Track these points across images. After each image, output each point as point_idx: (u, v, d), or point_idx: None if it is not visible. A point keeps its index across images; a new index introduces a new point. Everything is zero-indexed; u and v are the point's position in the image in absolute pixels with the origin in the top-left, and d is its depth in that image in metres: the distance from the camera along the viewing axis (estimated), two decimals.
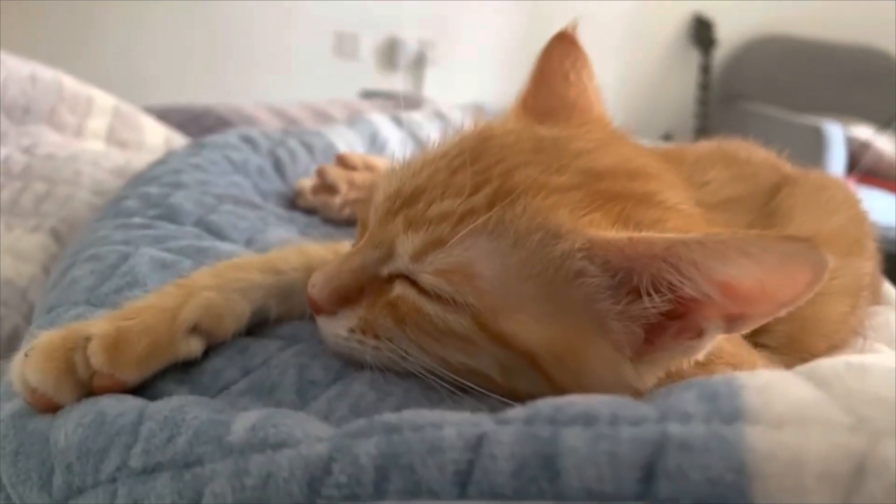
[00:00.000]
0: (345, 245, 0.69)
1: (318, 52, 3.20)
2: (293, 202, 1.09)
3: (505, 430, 0.38)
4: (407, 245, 0.52)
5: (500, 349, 0.50)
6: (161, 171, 0.99)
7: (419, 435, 0.38)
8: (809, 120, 3.15)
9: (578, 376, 0.49)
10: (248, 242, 0.84)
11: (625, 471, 0.35)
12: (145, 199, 0.89)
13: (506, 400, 0.50)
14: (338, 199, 1.03)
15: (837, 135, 3.00)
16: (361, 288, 0.54)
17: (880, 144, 3.08)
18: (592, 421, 0.37)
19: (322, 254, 0.66)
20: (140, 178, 0.99)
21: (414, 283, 0.52)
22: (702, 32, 3.78)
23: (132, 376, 0.52)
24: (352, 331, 0.54)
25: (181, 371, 0.57)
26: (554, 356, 0.49)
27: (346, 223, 1.06)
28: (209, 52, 2.94)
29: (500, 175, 0.52)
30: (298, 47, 3.13)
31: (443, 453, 0.37)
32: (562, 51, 0.66)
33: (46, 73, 1.42)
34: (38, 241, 1.05)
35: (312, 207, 1.08)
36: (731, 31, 3.76)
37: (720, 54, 3.80)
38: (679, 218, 0.53)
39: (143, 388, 0.54)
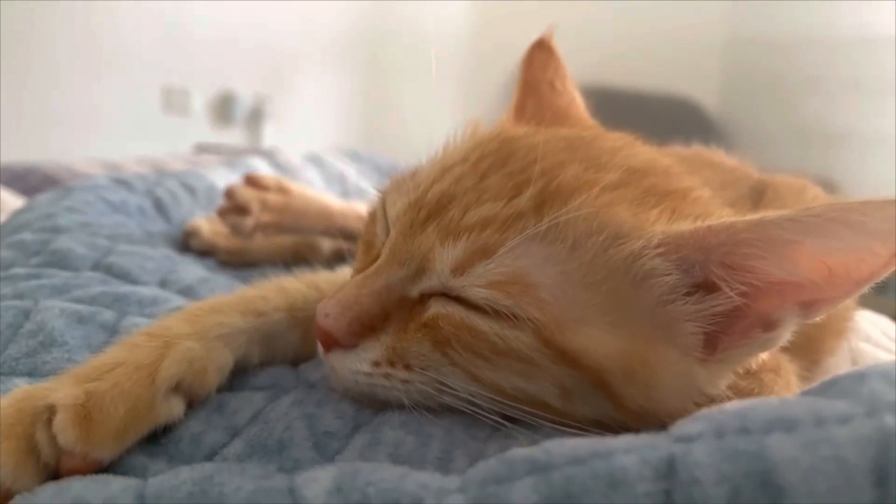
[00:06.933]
0: (327, 276, 0.59)
1: (146, 108, 2.95)
2: (184, 244, 0.95)
3: (696, 449, 0.30)
4: (446, 257, 0.44)
5: (565, 368, 0.43)
6: (29, 218, 0.84)
7: (586, 468, 0.30)
8: None
9: (649, 389, 0.44)
10: (163, 284, 0.72)
11: (859, 477, 0.29)
12: (20, 247, 0.74)
13: (561, 428, 0.43)
14: (250, 221, 0.91)
15: None
16: (386, 313, 0.46)
17: None
18: (793, 425, 0.30)
19: (303, 290, 0.57)
20: (4, 228, 0.83)
21: (458, 299, 0.44)
22: None
23: (109, 454, 0.41)
24: (376, 364, 0.45)
25: (147, 440, 0.44)
26: (624, 370, 0.43)
27: (245, 265, 0.94)
28: (23, 110, 2.62)
29: (543, 175, 0.46)
30: (124, 103, 2.87)
31: (630, 487, 0.29)
32: (542, 59, 0.63)
33: None
34: None
35: (209, 248, 0.95)
36: None
37: None
38: (722, 213, 0.49)
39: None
